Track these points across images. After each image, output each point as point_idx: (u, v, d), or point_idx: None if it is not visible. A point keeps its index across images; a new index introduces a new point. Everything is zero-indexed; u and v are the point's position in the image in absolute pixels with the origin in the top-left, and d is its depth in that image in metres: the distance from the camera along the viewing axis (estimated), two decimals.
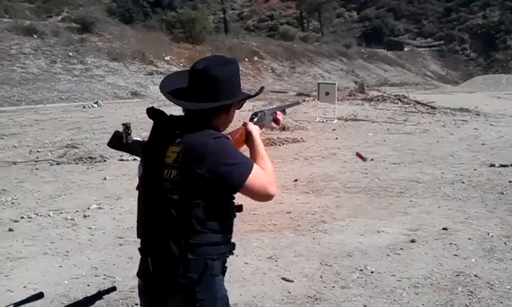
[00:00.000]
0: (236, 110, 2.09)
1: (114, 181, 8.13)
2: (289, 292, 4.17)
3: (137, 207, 2.04)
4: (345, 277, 4.46)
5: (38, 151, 10.54)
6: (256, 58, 38.65)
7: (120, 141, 2.40)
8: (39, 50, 26.15)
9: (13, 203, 6.94)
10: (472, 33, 65.53)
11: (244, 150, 2.09)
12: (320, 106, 16.84)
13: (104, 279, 4.46)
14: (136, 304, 3.72)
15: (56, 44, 27.44)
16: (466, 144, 11.60)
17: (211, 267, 1.89)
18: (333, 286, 4.27)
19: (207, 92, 1.91)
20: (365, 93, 24.12)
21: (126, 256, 4.89)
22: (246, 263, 4.75)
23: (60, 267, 4.76)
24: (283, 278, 4.44)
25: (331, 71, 43.94)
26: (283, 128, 13.21)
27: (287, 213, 6.40)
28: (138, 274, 2.02)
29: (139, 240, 2.03)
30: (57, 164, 9.43)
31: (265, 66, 38.46)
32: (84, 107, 19.33)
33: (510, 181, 7.81)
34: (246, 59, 36.47)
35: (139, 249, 2.02)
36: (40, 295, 1.94)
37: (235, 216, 2.01)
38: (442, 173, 8.57)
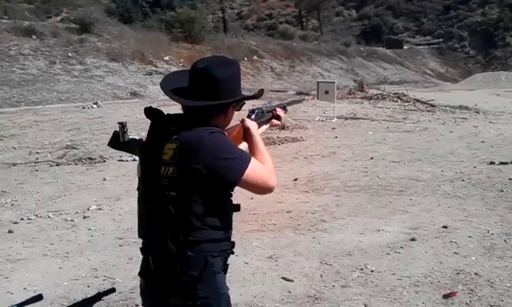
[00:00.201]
0: (235, 112, 2.09)
1: (113, 182, 8.13)
2: (289, 292, 4.17)
3: (137, 207, 2.04)
4: (345, 276, 4.46)
5: (37, 153, 10.54)
6: (255, 57, 38.65)
7: (118, 140, 2.40)
8: (38, 51, 26.13)
9: (12, 204, 6.94)
10: (471, 31, 65.55)
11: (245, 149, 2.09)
12: (319, 105, 16.83)
13: (104, 280, 4.45)
14: (137, 305, 3.71)
15: (55, 45, 27.42)
16: (465, 141, 11.60)
17: (211, 264, 1.89)
18: (333, 286, 4.27)
19: (207, 91, 1.92)
20: (365, 91, 24.12)
21: (126, 257, 4.89)
22: (246, 263, 4.75)
23: (60, 268, 4.75)
24: (283, 278, 4.44)
25: (331, 70, 43.94)
26: (283, 128, 13.20)
27: (287, 212, 6.39)
28: (140, 274, 2.04)
29: (139, 241, 2.04)
30: (56, 165, 9.43)
31: (264, 65, 38.45)
32: (83, 107, 19.32)
33: (510, 179, 7.80)
34: (245, 59, 36.46)
35: (140, 248, 2.03)
36: (39, 297, 1.94)
37: (232, 213, 2.01)
38: (442, 171, 8.57)
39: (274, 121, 2.44)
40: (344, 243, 5.30)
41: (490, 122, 15.14)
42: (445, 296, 3.92)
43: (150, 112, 1.98)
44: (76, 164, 9.50)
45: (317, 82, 18.98)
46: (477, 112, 17.60)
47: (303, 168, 9.07)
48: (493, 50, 61.93)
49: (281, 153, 10.36)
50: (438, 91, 34.45)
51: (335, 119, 15.58)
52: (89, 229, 5.84)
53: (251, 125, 2.13)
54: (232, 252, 2.03)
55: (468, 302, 3.91)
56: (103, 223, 6.07)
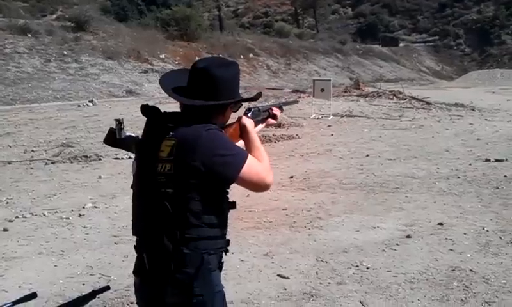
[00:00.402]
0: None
1: (109, 180, 8.11)
2: (285, 289, 4.17)
3: (132, 204, 2.04)
4: (341, 273, 4.46)
5: (32, 151, 10.51)
6: (251, 55, 38.60)
7: (114, 137, 2.39)
8: (33, 49, 26.03)
9: (7, 202, 6.92)
10: (467, 28, 65.59)
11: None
12: (315, 103, 16.84)
13: (99, 278, 4.44)
14: (132, 303, 3.71)
15: (51, 43, 27.32)
16: (461, 139, 11.62)
17: (207, 262, 1.89)
18: (329, 283, 4.28)
19: (206, 91, 1.93)
20: (361, 89, 24.13)
21: (121, 254, 4.88)
22: (242, 261, 4.75)
23: (55, 266, 4.74)
24: (278, 275, 4.44)
25: (327, 68, 43.91)
26: (279, 125, 13.21)
27: (283, 210, 6.40)
28: (134, 272, 2.03)
29: (134, 239, 2.03)
30: (52, 163, 9.41)
31: (260, 63, 38.42)
32: (79, 105, 19.25)
33: (505, 176, 7.83)
34: (241, 56, 36.41)
35: (134, 246, 2.02)
36: (33, 295, 1.93)
37: (229, 211, 2.01)
38: (437, 168, 8.58)
39: (270, 120, 2.44)
40: (339, 240, 5.30)
41: (486, 119, 15.17)
42: None
43: (147, 109, 1.98)
44: (71, 162, 9.48)
45: (313, 80, 19.00)
46: (473, 110, 17.64)
47: (298, 166, 9.08)
48: (489, 47, 61.98)
49: (277, 151, 10.36)
50: (433, 88, 34.49)
51: (331, 116, 15.60)
52: (84, 227, 5.83)
53: (248, 122, 2.13)
54: (227, 251, 2.03)
55: (464, 298, 3.92)
56: (98, 221, 6.06)
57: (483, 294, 3.99)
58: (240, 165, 1.88)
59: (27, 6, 56.53)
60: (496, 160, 8.93)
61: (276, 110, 2.45)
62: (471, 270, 4.43)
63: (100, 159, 9.65)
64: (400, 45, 63.87)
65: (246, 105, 2.18)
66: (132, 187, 2.04)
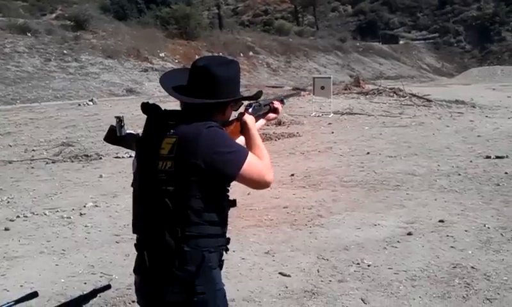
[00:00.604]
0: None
1: (110, 179, 8.12)
2: (286, 287, 4.17)
3: (132, 203, 2.04)
4: (342, 271, 4.46)
5: (33, 150, 10.51)
6: (251, 53, 38.56)
7: (115, 135, 2.39)
8: (33, 49, 26.00)
9: (8, 202, 6.92)
10: (467, 25, 65.49)
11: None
12: (316, 100, 16.84)
13: (101, 277, 4.45)
14: (133, 301, 3.71)
15: (50, 42, 27.29)
16: (462, 136, 11.61)
17: (208, 260, 1.89)
18: (330, 280, 4.28)
19: (206, 89, 1.93)
20: (361, 86, 24.10)
21: (122, 253, 4.89)
22: (243, 259, 4.75)
23: (56, 265, 4.75)
24: (280, 273, 4.44)
25: (327, 66, 43.86)
26: (279, 123, 13.22)
27: (284, 208, 6.40)
28: (134, 270, 2.02)
29: (135, 237, 2.03)
30: (52, 162, 9.41)
31: (260, 61, 38.37)
32: (79, 104, 19.25)
33: (506, 173, 7.82)
34: (241, 55, 36.37)
35: (135, 244, 2.02)
36: (34, 294, 1.93)
37: (229, 209, 2.01)
38: (438, 165, 8.58)
39: (271, 115, 2.44)
40: (340, 238, 5.30)
41: (486, 116, 15.16)
42: None
43: (147, 107, 1.98)
44: (72, 161, 9.48)
45: (313, 78, 18.94)
46: (473, 107, 17.62)
47: (299, 163, 9.08)
48: (489, 44, 61.88)
49: (277, 149, 10.36)
50: (434, 85, 34.45)
51: (331, 114, 15.59)
52: (85, 226, 5.83)
53: (249, 119, 2.13)
54: (227, 249, 2.03)
55: (465, 295, 3.92)
56: (99, 220, 6.07)
57: (484, 291, 3.99)
58: (240, 163, 1.88)
59: (27, 5, 56.46)
60: (497, 157, 8.93)
61: (277, 104, 2.45)
62: (472, 267, 4.43)
63: (100, 158, 9.65)
64: (400, 42, 63.77)
65: (246, 103, 2.18)
66: (132, 185, 2.04)
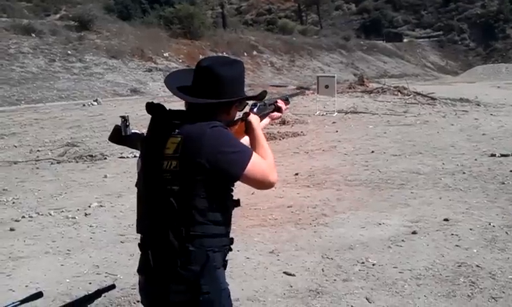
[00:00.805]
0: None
1: (114, 179, 8.13)
2: (291, 286, 4.17)
3: (136, 203, 2.04)
4: (346, 270, 4.46)
5: (38, 151, 10.54)
6: (255, 52, 38.57)
7: (120, 134, 2.39)
8: (37, 49, 26.09)
9: (14, 202, 6.94)
10: (471, 23, 65.31)
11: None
12: (320, 99, 16.82)
13: (106, 276, 4.46)
14: (138, 301, 3.71)
15: (55, 42, 27.37)
16: (466, 134, 11.58)
17: (213, 259, 1.89)
18: (335, 279, 4.28)
19: (210, 89, 1.93)
20: (365, 85, 24.05)
21: (127, 253, 4.89)
22: (248, 258, 4.75)
23: (62, 265, 4.76)
24: (284, 272, 4.44)
25: (331, 64, 43.83)
26: (283, 123, 13.21)
27: (288, 207, 6.40)
28: (138, 270, 2.02)
29: (139, 237, 2.03)
30: (57, 162, 9.43)
31: (264, 61, 38.37)
32: (83, 105, 19.30)
33: (511, 171, 7.80)
34: (245, 54, 36.39)
35: (139, 244, 2.02)
36: (39, 295, 1.93)
37: (233, 209, 2.01)
38: (443, 163, 8.56)
39: (276, 114, 2.44)
40: (345, 237, 5.30)
41: (491, 114, 15.11)
42: None
43: (152, 107, 1.98)
44: (77, 162, 9.51)
45: (317, 77, 18.93)
46: (478, 105, 17.57)
47: (303, 163, 9.07)
48: (494, 42, 61.70)
49: (281, 148, 10.36)
50: (438, 84, 34.40)
51: (336, 113, 15.57)
52: (90, 226, 5.85)
53: (253, 119, 2.13)
54: (231, 249, 2.03)
55: (470, 294, 3.92)
56: (104, 220, 6.08)
57: (490, 290, 3.98)
58: (245, 163, 1.88)
59: (31, 6, 56.65)
60: (502, 155, 8.90)
61: (281, 103, 2.46)
62: (477, 266, 4.42)
63: (105, 158, 9.67)
64: (405, 40, 63.69)
65: (251, 102, 2.18)
66: (136, 185, 2.04)
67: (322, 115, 15.59)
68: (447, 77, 47.76)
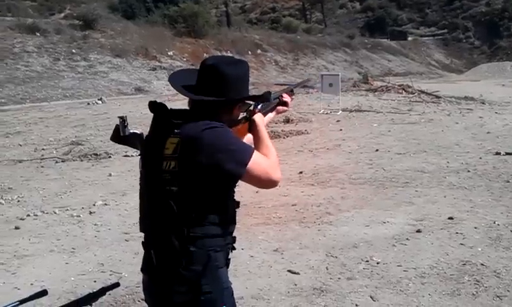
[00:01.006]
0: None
1: (119, 178, 8.15)
2: (295, 284, 4.17)
3: (139, 201, 2.04)
4: (351, 268, 4.46)
5: (43, 149, 10.57)
6: (259, 51, 38.54)
7: (119, 134, 2.40)
8: (42, 48, 26.14)
9: (19, 201, 6.97)
10: (476, 21, 65.08)
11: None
12: (324, 98, 16.79)
13: (111, 275, 4.47)
14: (142, 299, 3.71)
15: (59, 41, 27.42)
16: (471, 132, 11.54)
17: (214, 259, 1.88)
18: (339, 278, 4.27)
19: (214, 87, 1.92)
20: (369, 83, 24.06)
21: (132, 251, 4.90)
22: (252, 256, 4.76)
23: (66, 263, 4.78)
24: (289, 270, 4.45)
25: (335, 63, 43.75)
26: (287, 121, 13.22)
27: (292, 205, 6.40)
28: (142, 269, 2.02)
29: (143, 235, 2.03)
30: (62, 161, 9.46)
31: (268, 59, 38.34)
32: (88, 103, 19.36)
33: None
34: (249, 52, 36.37)
35: (142, 243, 2.01)
36: (43, 293, 1.94)
37: (235, 208, 2.00)
38: (447, 162, 8.54)
39: (281, 108, 2.43)
40: (349, 235, 5.30)
41: (496, 113, 15.06)
42: None
43: (154, 106, 1.98)
44: (81, 160, 9.53)
45: (321, 75, 18.88)
46: (483, 103, 17.52)
47: (307, 161, 9.07)
48: (498, 40, 61.47)
49: (286, 147, 10.36)
50: (443, 82, 34.31)
51: (340, 111, 15.54)
52: (95, 225, 5.86)
53: (257, 117, 2.13)
54: (234, 248, 2.02)
55: (475, 292, 3.91)
56: (109, 218, 6.10)
57: (494, 288, 3.97)
58: (246, 161, 1.85)
59: (36, 5, 56.84)
60: (507, 154, 8.87)
61: (286, 97, 2.44)
62: (482, 264, 4.41)
63: (109, 157, 9.69)
64: (409, 38, 63.48)
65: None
66: (139, 184, 2.05)
67: (327, 113, 15.57)
68: (451, 75, 47.63)
